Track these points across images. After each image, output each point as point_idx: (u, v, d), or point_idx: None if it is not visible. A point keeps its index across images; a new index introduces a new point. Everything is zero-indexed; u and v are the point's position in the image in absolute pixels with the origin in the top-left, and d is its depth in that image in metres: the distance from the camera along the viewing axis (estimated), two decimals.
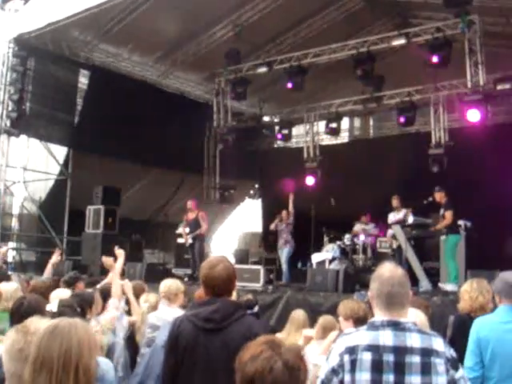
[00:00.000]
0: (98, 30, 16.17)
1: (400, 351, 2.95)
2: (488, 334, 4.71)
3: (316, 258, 14.60)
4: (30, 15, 15.17)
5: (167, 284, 6.09)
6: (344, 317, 5.29)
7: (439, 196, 12.05)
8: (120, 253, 6.74)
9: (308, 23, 17.21)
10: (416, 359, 2.93)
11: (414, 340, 2.98)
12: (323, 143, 20.62)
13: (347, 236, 15.03)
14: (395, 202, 13.50)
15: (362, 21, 16.91)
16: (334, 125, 18.45)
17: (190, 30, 16.75)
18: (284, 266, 14.82)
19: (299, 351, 2.43)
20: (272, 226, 15.47)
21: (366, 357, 2.95)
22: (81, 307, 4.98)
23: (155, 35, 16.28)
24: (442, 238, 12.18)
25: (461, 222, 12.97)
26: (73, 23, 14.77)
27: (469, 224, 13.60)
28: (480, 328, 4.79)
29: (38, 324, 2.96)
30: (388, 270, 3.19)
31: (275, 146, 21.78)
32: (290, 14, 16.22)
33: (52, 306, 4.79)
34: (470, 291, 5.49)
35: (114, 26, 15.90)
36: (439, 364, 2.93)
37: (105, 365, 3.29)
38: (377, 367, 2.93)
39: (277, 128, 20.40)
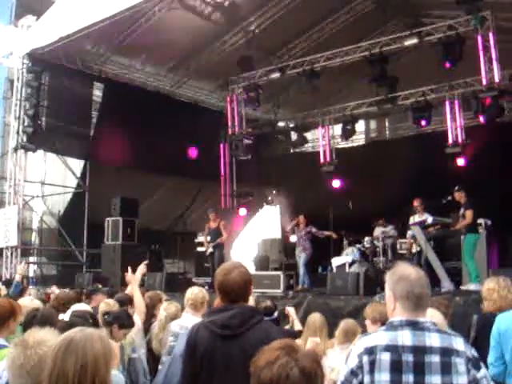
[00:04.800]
0: (110, 43, 16.30)
1: (419, 351, 2.89)
2: (508, 328, 4.66)
3: (336, 261, 14.52)
4: (42, 30, 15.28)
5: (194, 291, 5.98)
6: (372, 320, 5.22)
7: (459, 195, 11.89)
8: (142, 270, 6.75)
9: (319, 27, 17.25)
10: (436, 359, 2.87)
11: (433, 339, 2.92)
12: (339, 146, 20.55)
13: (367, 239, 14.93)
14: (417, 204, 13.26)
15: (373, 22, 16.89)
16: (349, 127, 18.34)
17: (202, 39, 16.81)
18: (301, 271, 14.69)
19: (316, 356, 2.37)
20: (288, 228, 15.35)
21: (385, 357, 2.90)
22: (93, 319, 4.97)
23: (167, 45, 16.34)
24: (462, 237, 12.04)
25: (481, 221, 12.82)
26: (85, 36, 14.85)
27: (489, 222, 13.44)
28: (500, 323, 4.77)
29: (37, 336, 2.92)
30: (412, 270, 3.13)
31: (291, 151, 21.72)
32: (301, 18, 16.24)
33: (65, 315, 4.79)
34: (498, 289, 5.33)
35: (125, 38, 16.03)
36: (460, 364, 2.87)
37: (115, 377, 3.26)
38: (396, 367, 2.88)
39: (292, 133, 20.34)
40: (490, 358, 4.73)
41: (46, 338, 2.86)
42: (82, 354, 2.53)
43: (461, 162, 15.56)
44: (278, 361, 2.26)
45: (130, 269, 6.70)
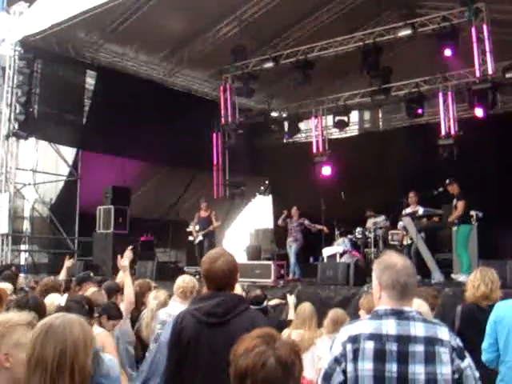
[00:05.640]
0: (103, 30, 16.18)
1: (403, 340, 2.89)
2: (505, 316, 4.69)
3: (327, 252, 14.55)
4: (34, 17, 15.17)
5: (186, 280, 5.95)
6: (367, 311, 5.23)
7: (452, 188, 11.94)
8: (128, 255, 6.68)
9: (314, 17, 17.15)
10: (419, 348, 2.87)
11: (417, 329, 2.92)
12: (332, 137, 20.54)
13: (358, 229, 14.96)
14: (411, 195, 13.22)
15: (367, 13, 16.78)
16: (342, 118, 18.34)
17: (195, 28, 16.72)
18: (292, 261, 14.80)
19: (294, 346, 2.36)
20: (279, 222, 15.49)
21: (369, 346, 2.90)
22: (89, 305, 4.98)
23: (161, 33, 16.26)
24: (454, 228, 12.08)
25: (472, 213, 12.85)
26: (77, 24, 14.75)
27: (480, 214, 13.48)
28: (498, 311, 4.80)
29: (1, 318, 2.93)
30: (399, 259, 3.12)
31: (284, 141, 21.69)
32: (296, 8, 16.12)
33: (61, 300, 4.80)
34: (473, 281, 5.50)
35: (118, 26, 15.90)
36: (444, 353, 2.87)
37: (109, 361, 3.25)
38: (379, 356, 2.87)
39: (285, 123, 20.31)
40: (484, 344, 4.79)
41: (9, 319, 2.86)
42: (62, 340, 2.52)
43: (453, 153, 15.55)
44: (256, 349, 2.26)
45: (119, 256, 6.65)
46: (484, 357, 4.72)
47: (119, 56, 17.63)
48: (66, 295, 5.51)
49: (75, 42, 16.63)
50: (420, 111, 16.68)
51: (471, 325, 5.10)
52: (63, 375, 2.48)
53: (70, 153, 17.88)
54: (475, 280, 5.45)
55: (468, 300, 5.54)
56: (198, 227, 14.94)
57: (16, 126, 16.00)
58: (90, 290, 6.13)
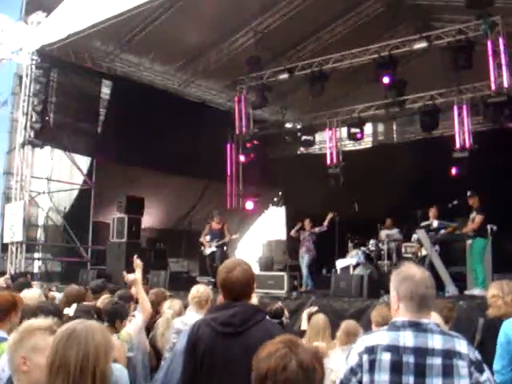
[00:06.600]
0: (119, 40, 16.29)
1: (421, 352, 2.86)
2: None
3: (340, 263, 14.50)
4: (52, 27, 15.30)
5: (200, 289, 5.96)
6: (375, 324, 5.21)
7: (472, 201, 11.84)
8: (138, 264, 6.59)
9: (329, 29, 17.19)
10: (437, 361, 2.83)
11: (435, 341, 2.89)
12: (346, 149, 20.52)
13: (372, 241, 14.90)
14: (432, 211, 13.14)
15: (383, 25, 16.79)
16: (356, 130, 18.31)
17: (211, 39, 16.80)
18: (304, 272, 14.74)
19: (316, 352, 2.36)
20: (292, 233, 15.47)
21: (386, 357, 2.88)
22: (98, 314, 4.98)
23: (176, 44, 16.35)
24: (469, 242, 11.99)
25: (487, 227, 12.78)
26: (94, 34, 14.82)
27: (495, 228, 13.39)
28: (508, 329, 4.67)
29: (27, 322, 2.98)
30: (417, 271, 3.10)
31: (298, 152, 21.68)
32: (311, 20, 16.17)
33: (69, 310, 4.80)
34: (502, 296, 5.21)
35: (135, 36, 16.01)
36: (462, 366, 2.84)
37: (118, 371, 3.26)
38: (396, 368, 2.85)
39: (299, 134, 20.31)
40: (496, 366, 4.63)
41: (30, 324, 2.92)
42: (84, 345, 2.54)
43: (467, 166, 15.47)
44: (277, 352, 2.25)
45: (125, 272, 6.45)
46: (498, 378, 4.54)
47: (135, 66, 17.74)
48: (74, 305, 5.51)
49: (91, 51, 16.75)
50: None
51: (494, 339, 4.92)
52: (85, 380, 2.49)
53: (84, 162, 17.94)
54: (505, 295, 5.18)
55: (494, 316, 5.28)
56: (208, 238, 14.97)
57: (32, 135, 16.08)
58: (102, 298, 6.12)
